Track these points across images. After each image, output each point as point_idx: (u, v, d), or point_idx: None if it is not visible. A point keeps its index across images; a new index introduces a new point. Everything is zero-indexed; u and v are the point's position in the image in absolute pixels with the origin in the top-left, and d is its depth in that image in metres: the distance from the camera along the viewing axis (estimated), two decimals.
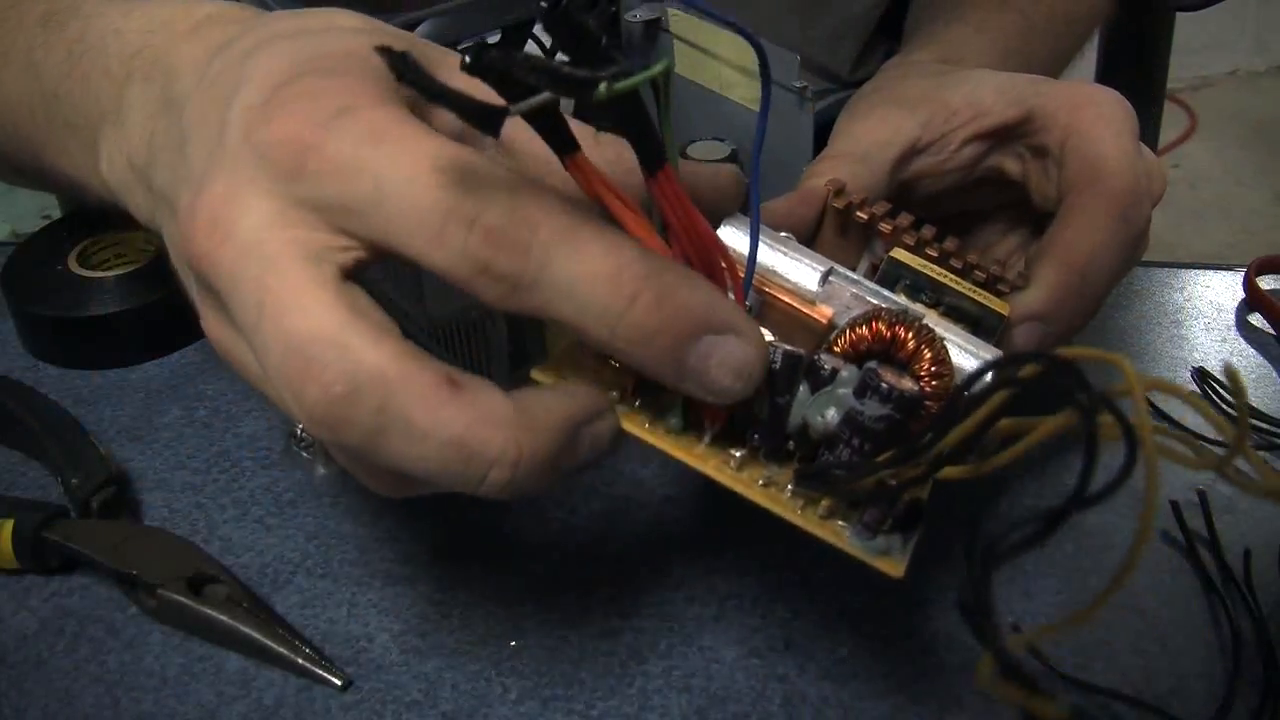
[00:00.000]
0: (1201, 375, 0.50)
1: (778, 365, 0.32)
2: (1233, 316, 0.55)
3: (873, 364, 0.33)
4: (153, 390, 0.51)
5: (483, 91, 0.27)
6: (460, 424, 0.28)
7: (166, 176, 0.34)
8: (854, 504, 0.32)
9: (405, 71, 0.27)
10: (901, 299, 0.37)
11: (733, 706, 0.37)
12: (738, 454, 0.33)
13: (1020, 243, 0.48)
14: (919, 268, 0.39)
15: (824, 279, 0.36)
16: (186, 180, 0.32)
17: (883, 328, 0.34)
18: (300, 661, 0.38)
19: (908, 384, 0.32)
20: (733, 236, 0.36)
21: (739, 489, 0.33)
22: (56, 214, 0.71)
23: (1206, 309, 0.55)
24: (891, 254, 0.40)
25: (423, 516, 0.44)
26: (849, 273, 0.37)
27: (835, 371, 0.32)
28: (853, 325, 0.34)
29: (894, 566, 0.32)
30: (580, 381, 0.33)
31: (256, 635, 0.39)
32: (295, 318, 0.28)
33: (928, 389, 0.33)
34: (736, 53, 0.55)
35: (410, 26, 0.49)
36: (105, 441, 0.47)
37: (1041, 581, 0.41)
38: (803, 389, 0.33)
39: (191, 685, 0.38)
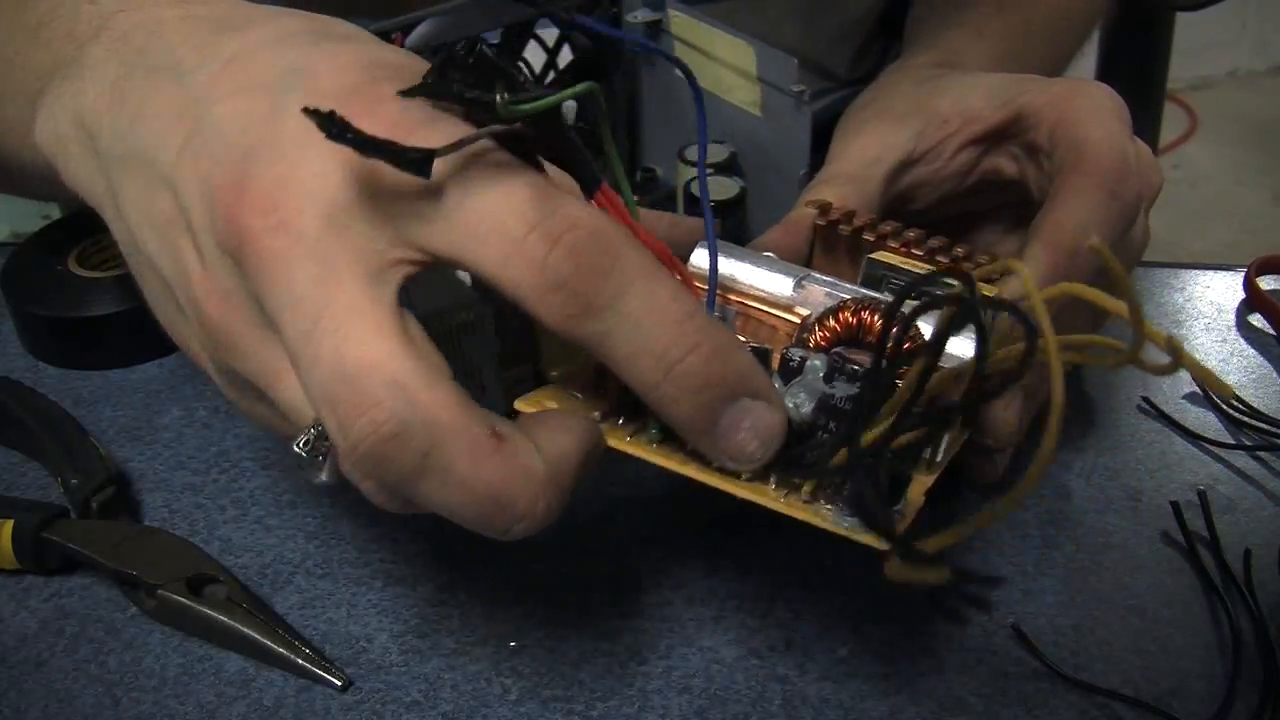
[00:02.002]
0: None
1: None
2: (1233, 317, 0.55)
3: (839, 349, 0.33)
4: (152, 390, 0.51)
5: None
6: (499, 479, 0.29)
7: (143, 140, 0.32)
8: (840, 489, 0.33)
9: (333, 129, 0.27)
10: (885, 297, 0.38)
11: (733, 707, 0.37)
12: None
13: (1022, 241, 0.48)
14: (899, 264, 0.39)
15: (798, 284, 0.37)
16: (216, 155, 0.30)
17: (849, 316, 0.35)
18: (300, 662, 0.38)
19: None
20: (706, 259, 0.36)
21: (723, 485, 0.33)
22: (56, 214, 0.71)
23: (1206, 309, 0.55)
24: (871, 256, 0.40)
25: (423, 517, 0.44)
26: (824, 277, 0.37)
27: (804, 361, 0.33)
28: (821, 320, 0.35)
29: (878, 541, 0.32)
30: (563, 407, 0.34)
31: (256, 635, 0.39)
32: (353, 344, 0.28)
33: None
34: (736, 55, 0.55)
35: (410, 27, 0.49)
36: (105, 442, 0.47)
37: (1041, 581, 0.41)
38: (776, 384, 0.33)
39: (191, 685, 0.38)
